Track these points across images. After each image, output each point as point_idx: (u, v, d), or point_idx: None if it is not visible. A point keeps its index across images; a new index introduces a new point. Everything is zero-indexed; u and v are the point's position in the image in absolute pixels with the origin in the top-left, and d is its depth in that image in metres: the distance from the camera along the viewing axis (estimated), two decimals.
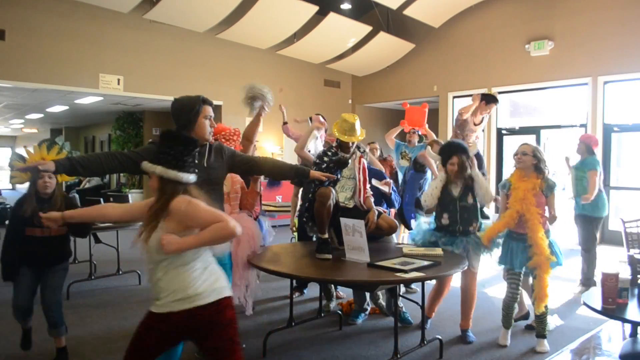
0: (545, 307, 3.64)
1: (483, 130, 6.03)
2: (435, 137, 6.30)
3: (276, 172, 3.06)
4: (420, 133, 6.58)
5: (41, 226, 3.08)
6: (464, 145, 3.93)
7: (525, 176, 3.65)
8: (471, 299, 3.93)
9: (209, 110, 2.63)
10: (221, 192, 2.73)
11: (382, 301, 4.42)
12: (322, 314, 4.19)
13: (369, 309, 4.40)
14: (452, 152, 3.85)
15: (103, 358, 3.53)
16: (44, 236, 3.20)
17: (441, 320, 4.27)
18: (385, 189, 3.99)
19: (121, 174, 13.58)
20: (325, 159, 3.64)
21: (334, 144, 3.86)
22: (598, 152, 8.50)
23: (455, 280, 4.12)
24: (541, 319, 3.67)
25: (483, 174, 4.74)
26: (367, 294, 4.35)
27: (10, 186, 20.58)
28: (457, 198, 3.79)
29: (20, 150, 22.86)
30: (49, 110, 12.31)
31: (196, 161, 2.56)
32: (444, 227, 3.80)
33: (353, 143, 3.76)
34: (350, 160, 3.65)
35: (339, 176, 3.69)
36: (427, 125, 6.50)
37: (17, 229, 3.24)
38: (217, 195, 2.67)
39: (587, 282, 5.13)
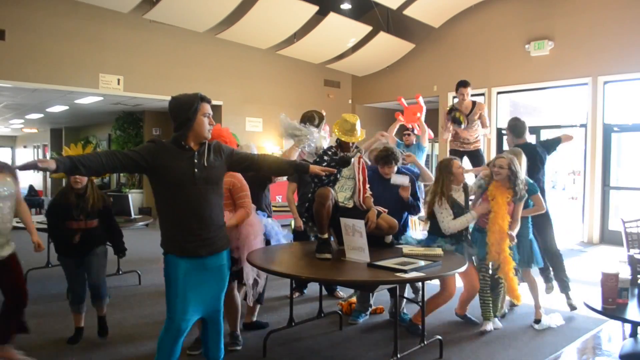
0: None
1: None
2: (428, 132, 6.19)
3: (275, 169, 3.05)
4: (416, 132, 6.58)
5: (78, 219, 3.66)
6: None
7: (502, 186, 3.90)
8: (473, 290, 4.11)
9: (208, 108, 2.61)
10: (221, 191, 2.73)
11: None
12: (322, 314, 4.19)
13: (370, 309, 4.40)
14: (451, 159, 4.08)
15: (103, 358, 3.54)
16: (79, 228, 3.66)
17: (441, 320, 4.27)
18: (403, 194, 3.98)
19: (121, 174, 13.58)
20: (326, 158, 3.64)
21: (334, 144, 3.86)
22: (599, 152, 8.59)
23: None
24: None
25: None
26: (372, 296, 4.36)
27: None
28: (464, 206, 4.01)
29: (21, 150, 22.86)
30: (49, 110, 12.31)
31: (195, 161, 2.57)
32: (454, 234, 3.93)
33: (353, 143, 3.77)
34: (352, 159, 3.66)
35: (338, 176, 3.69)
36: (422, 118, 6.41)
37: (56, 222, 3.72)
38: (217, 194, 2.68)
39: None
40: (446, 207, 3.91)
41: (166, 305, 2.61)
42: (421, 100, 6.20)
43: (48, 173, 3.16)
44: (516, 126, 4.77)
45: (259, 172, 3.11)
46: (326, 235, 3.47)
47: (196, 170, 2.55)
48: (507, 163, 3.85)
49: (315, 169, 2.99)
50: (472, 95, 6.06)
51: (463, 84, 5.81)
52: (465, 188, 4.09)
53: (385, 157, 4.03)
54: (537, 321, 4.11)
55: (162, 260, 2.64)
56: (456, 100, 6.12)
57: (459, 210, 3.95)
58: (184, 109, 2.55)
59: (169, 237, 2.59)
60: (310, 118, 4.09)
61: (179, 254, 2.55)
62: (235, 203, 3.47)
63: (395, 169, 4.11)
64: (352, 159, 3.64)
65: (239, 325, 3.72)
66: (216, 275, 2.67)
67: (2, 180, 3.19)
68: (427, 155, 6.04)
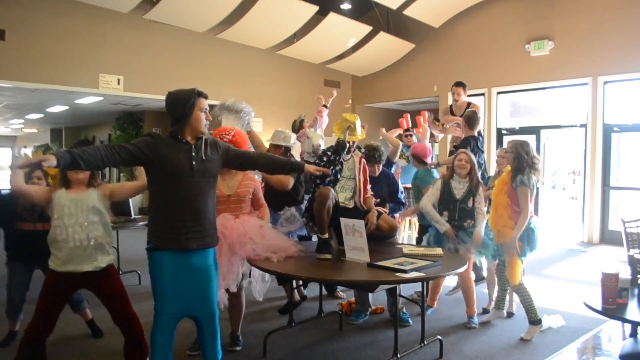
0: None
1: (482, 131, 6.02)
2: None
3: (270, 167, 3.08)
4: (416, 133, 6.59)
5: (32, 221, 3.43)
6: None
7: (507, 175, 3.92)
8: (467, 287, 4.19)
9: (204, 103, 2.64)
10: (215, 186, 2.76)
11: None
12: (322, 314, 4.19)
13: (370, 309, 4.40)
14: (459, 152, 4.12)
15: (104, 357, 3.54)
16: (32, 230, 3.41)
17: (441, 320, 4.28)
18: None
19: (121, 174, 13.58)
20: (325, 158, 3.64)
21: (335, 144, 3.86)
22: (599, 152, 8.58)
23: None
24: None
25: (483, 176, 4.85)
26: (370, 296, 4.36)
27: (9, 186, 20.55)
28: (459, 200, 3.99)
29: (21, 150, 22.84)
30: (49, 110, 12.31)
31: (193, 154, 2.59)
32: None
33: (353, 142, 3.76)
34: (348, 144, 3.66)
35: (339, 176, 3.69)
36: (426, 124, 6.46)
37: (7, 223, 3.49)
38: (212, 188, 2.71)
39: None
40: (438, 188, 4.06)
41: (153, 300, 2.62)
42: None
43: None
44: (472, 118, 5.00)
45: (255, 169, 3.15)
46: (326, 236, 3.48)
47: (194, 162, 2.58)
48: (510, 146, 3.87)
49: (310, 168, 3.04)
50: (473, 95, 6.09)
51: (455, 84, 5.97)
52: (471, 192, 4.03)
53: (371, 156, 4.16)
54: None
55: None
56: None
57: (449, 199, 4.01)
58: (181, 104, 2.57)
59: (160, 230, 2.59)
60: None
61: (170, 246, 2.56)
62: (258, 203, 3.60)
63: (381, 167, 4.22)
64: (349, 145, 3.67)
65: (240, 326, 3.72)
66: (202, 275, 2.67)
67: (88, 194, 2.96)
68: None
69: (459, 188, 4.02)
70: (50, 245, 2.90)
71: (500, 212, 3.86)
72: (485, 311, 4.48)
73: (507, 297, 4.40)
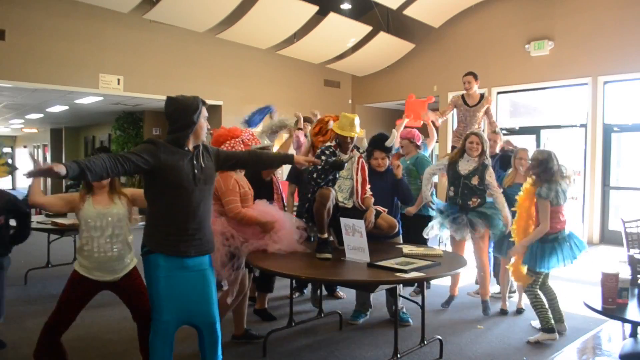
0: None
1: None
2: (435, 132, 6.18)
3: (261, 164, 3.13)
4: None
5: None
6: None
7: (532, 186, 3.83)
8: (482, 268, 4.36)
9: (206, 111, 2.67)
10: (212, 193, 2.78)
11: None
12: (322, 314, 4.19)
13: (370, 310, 4.39)
14: (471, 133, 4.33)
15: (104, 357, 3.54)
16: None
17: (441, 320, 4.28)
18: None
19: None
20: (323, 157, 3.62)
21: (333, 142, 3.85)
22: (599, 152, 8.58)
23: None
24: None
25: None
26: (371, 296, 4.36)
27: (10, 186, 20.59)
28: (463, 176, 4.24)
29: (21, 150, 22.84)
30: (49, 110, 12.32)
31: (195, 162, 2.59)
32: (450, 198, 4.37)
33: (352, 140, 3.74)
34: (346, 163, 3.65)
35: (337, 175, 3.68)
36: (427, 116, 6.27)
37: None
38: (211, 195, 2.74)
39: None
40: (443, 163, 4.44)
41: (151, 307, 2.62)
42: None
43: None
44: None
45: (246, 168, 3.16)
46: (326, 235, 3.47)
47: (196, 171, 2.58)
48: (534, 156, 3.76)
49: (299, 159, 3.09)
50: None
51: (466, 73, 5.91)
52: (477, 171, 4.21)
53: (378, 139, 4.14)
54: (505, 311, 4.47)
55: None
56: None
57: (454, 175, 4.27)
58: (190, 112, 2.55)
59: (158, 236, 2.58)
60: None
61: (167, 252, 2.55)
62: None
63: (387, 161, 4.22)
64: (345, 163, 3.62)
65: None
66: (199, 278, 2.65)
67: (114, 206, 2.98)
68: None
69: (465, 166, 4.26)
70: (78, 252, 3.01)
71: (528, 222, 3.80)
72: (503, 312, 4.45)
73: (517, 294, 4.57)
